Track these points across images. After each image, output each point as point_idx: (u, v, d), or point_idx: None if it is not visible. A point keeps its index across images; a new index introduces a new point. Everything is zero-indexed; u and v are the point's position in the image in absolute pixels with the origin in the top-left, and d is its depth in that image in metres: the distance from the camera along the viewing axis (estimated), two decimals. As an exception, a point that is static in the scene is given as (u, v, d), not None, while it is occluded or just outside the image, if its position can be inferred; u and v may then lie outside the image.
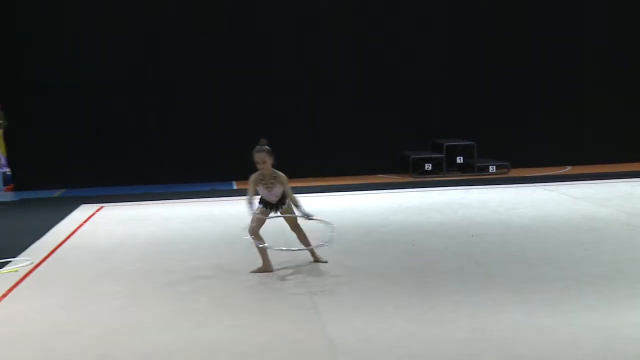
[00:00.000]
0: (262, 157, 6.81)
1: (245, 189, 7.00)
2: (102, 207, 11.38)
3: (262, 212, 7.01)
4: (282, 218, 7.15)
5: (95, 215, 10.70)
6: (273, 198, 7.00)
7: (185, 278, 6.89)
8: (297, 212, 6.95)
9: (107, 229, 9.68)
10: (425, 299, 5.99)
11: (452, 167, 13.82)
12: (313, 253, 7.24)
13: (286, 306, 5.98)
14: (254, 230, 6.92)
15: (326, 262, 7.19)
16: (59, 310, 6.10)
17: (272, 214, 7.06)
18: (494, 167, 13.69)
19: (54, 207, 11.44)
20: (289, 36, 14.16)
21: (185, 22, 13.98)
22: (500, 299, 5.91)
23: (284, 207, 7.05)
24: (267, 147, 6.87)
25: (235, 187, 13.16)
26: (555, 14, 14.36)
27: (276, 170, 6.92)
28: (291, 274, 6.93)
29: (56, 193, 13.29)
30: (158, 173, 13.82)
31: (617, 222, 8.83)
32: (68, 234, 9.33)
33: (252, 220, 6.91)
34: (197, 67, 14.02)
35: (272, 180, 6.90)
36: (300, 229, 7.19)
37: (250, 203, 6.84)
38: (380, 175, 13.93)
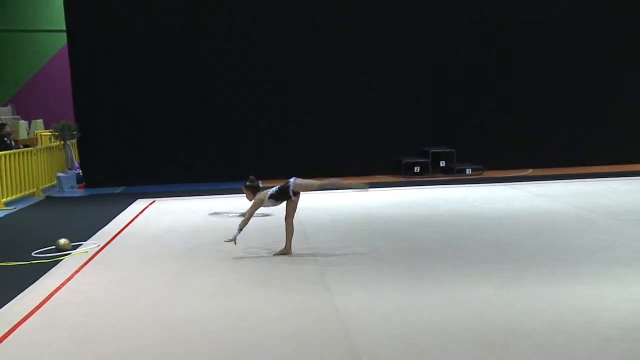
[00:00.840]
0: (244, 191, 6.91)
1: (269, 187, 7.02)
2: (154, 201, 11.40)
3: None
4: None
5: (148, 208, 10.71)
6: (275, 206, 7.00)
7: (221, 259, 6.90)
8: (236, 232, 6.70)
9: (158, 219, 9.68)
10: (413, 276, 5.98)
11: (436, 169, 13.77)
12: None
13: (301, 281, 5.98)
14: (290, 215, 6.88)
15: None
16: (119, 284, 6.13)
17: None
18: (470, 169, 13.62)
19: (116, 201, 11.47)
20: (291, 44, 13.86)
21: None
22: (474, 276, 5.89)
23: (293, 198, 6.91)
24: (248, 183, 6.86)
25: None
26: (519, 38, 14.25)
27: (259, 194, 6.84)
28: (306, 256, 6.92)
29: (118, 190, 13.34)
30: (201, 172, 13.82)
31: (569, 214, 8.79)
32: (127, 222, 9.36)
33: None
34: (240, 73, 13.75)
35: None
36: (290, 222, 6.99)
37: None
38: (378, 175, 13.89)
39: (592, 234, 7.50)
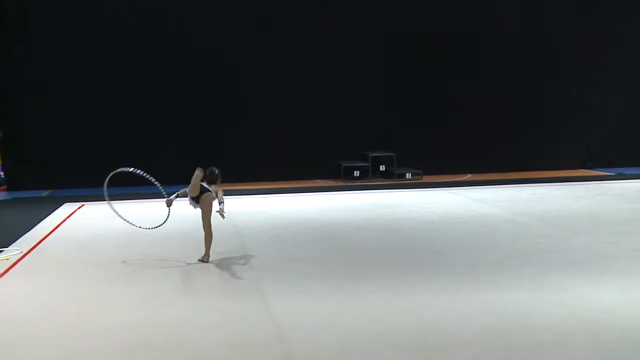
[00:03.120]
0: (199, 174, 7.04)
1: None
2: (82, 205, 11.08)
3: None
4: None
5: (76, 212, 10.41)
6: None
7: (152, 265, 6.77)
8: None
9: (87, 223, 9.41)
10: (352, 282, 6.00)
11: (376, 173, 13.90)
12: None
13: (237, 288, 5.93)
14: None
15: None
16: (45, 292, 5.93)
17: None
18: (410, 174, 13.80)
19: (42, 205, 11.09)
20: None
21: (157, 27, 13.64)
22: (414, 281, 5.96)
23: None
24: (216, 171, 7.08)
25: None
26: (460, 45, 14.54)
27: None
28: (241, 261, 6.85)
29: (44, 193, 12.91)
30: (133, 175, 13.50)
31: (505, 219, 9.00)
32: (53, 227, 9.06)
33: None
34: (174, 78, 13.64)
35: None
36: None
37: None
38: (317, 180, 13.91)
39: (528, 238, 7.71)
